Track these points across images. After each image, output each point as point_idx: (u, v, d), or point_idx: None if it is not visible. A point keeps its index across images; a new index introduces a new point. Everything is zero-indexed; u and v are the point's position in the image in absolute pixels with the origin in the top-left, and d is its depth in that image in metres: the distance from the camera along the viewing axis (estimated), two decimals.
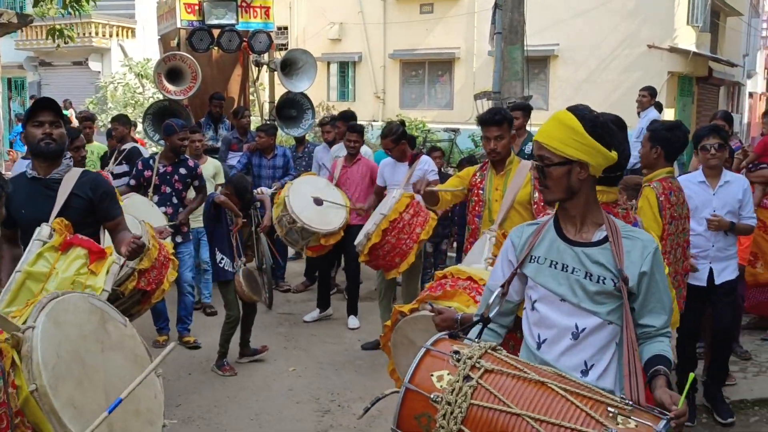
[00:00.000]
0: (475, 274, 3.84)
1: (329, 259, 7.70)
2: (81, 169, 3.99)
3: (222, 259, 6.15)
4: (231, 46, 10.07)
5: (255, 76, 11.37)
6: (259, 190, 7.83)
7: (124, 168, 7.86)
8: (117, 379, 2.54)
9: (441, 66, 24.94)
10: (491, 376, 2.20)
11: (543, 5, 19.58)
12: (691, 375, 2.27)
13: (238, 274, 6.12)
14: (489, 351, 2.30)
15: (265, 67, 11.04)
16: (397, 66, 25.52)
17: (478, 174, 5.07)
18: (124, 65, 23.85)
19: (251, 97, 11.68)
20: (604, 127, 2.56)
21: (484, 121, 4.96)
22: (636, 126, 10.07)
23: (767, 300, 6.71)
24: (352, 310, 7.46)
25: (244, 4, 10.36)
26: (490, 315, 2.67)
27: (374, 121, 22.52)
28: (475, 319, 2.75)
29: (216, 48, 10.14)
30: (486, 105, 9.47)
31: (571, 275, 2.52)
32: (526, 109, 7.77)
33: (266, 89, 11.66)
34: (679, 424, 2.10)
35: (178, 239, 6.65)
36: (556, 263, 2.56)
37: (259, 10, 10.51)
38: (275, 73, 10.89)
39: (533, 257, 2.63)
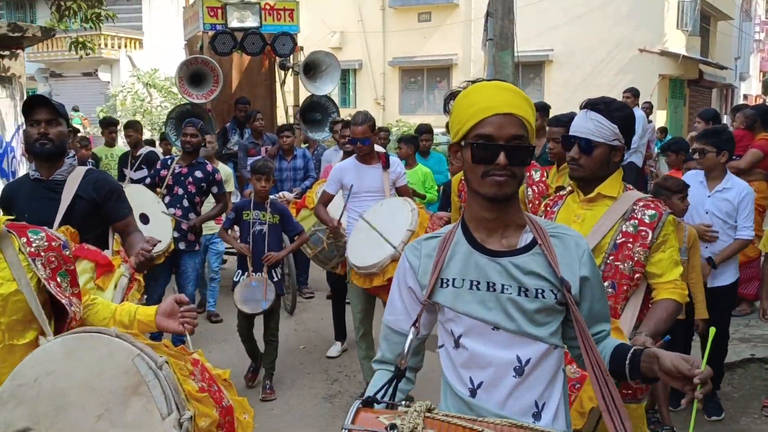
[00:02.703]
0: None
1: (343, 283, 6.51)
2: (85, 168, 3.72)
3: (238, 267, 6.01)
4: (254, 49, 9.93)
5: (282, 79, 11.07)
6: (280, 194, 7.47)
7: (144, 172, 7.78)
8: None
9: (439, 72, 25.68)
10: None
11: (537, 12, 20.28)
12: (712, 330, 1.96)
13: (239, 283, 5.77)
14: (427, 415, 1.73)
15: (290, 70, 10.75)
16: (397, 73, 26.24)
17: (463, 179, 4.81)
18: (133, 75, 24.60)
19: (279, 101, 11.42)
20: None
21: None
22: None
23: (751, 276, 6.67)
24: None
25: (267, 7, 10.14)
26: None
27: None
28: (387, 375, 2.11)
29: (239, 51, 9.96)
30: None
31: (502, 295, 1.94)
32: (543, 110, 7.11)
33: (290, 92, 11.49)
34: (706, 392, 1.75)
35: (182, 245, 6.16)
36: (478, 283, 1.97)
37: (283, 12, 10.25)
38: (299, 76, 10.63)
39: (445, 281, 2.01)
